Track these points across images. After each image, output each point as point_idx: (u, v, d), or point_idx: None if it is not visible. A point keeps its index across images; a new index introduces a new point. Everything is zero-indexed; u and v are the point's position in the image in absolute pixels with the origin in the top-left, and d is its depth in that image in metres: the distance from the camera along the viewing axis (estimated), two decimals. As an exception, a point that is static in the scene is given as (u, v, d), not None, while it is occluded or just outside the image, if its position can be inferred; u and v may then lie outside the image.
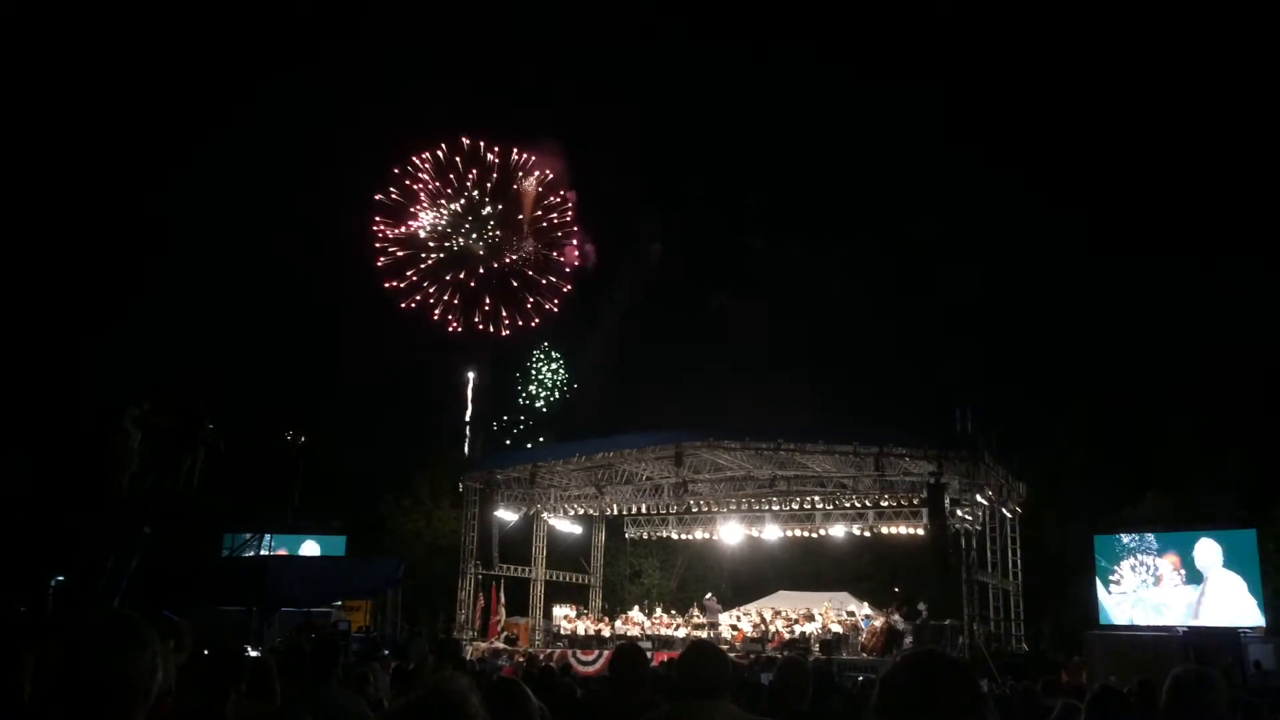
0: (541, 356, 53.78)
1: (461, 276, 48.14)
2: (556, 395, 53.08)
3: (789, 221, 60.48)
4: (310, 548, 25.59)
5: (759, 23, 61.18)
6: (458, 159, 47.61)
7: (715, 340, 57.47)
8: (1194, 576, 20.20)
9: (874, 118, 62.47)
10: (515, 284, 49.17)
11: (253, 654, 6.28)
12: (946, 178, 61.22)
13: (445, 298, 47.88)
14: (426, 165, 47.15)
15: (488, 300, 48.69)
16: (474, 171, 47.87)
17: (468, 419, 33.49)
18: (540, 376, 53.42)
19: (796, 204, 64.20)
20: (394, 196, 46.44)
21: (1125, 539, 21.35)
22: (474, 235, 47.85)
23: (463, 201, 47.72)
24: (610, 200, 52.59)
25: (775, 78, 63.36)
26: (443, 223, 47.26)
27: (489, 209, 48.29)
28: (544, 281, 49.26)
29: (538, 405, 51.61)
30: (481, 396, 47.51)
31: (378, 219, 45.96)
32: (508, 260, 48.61)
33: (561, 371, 53.83)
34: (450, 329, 47.76)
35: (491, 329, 48.71)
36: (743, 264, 63.63)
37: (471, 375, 49.08)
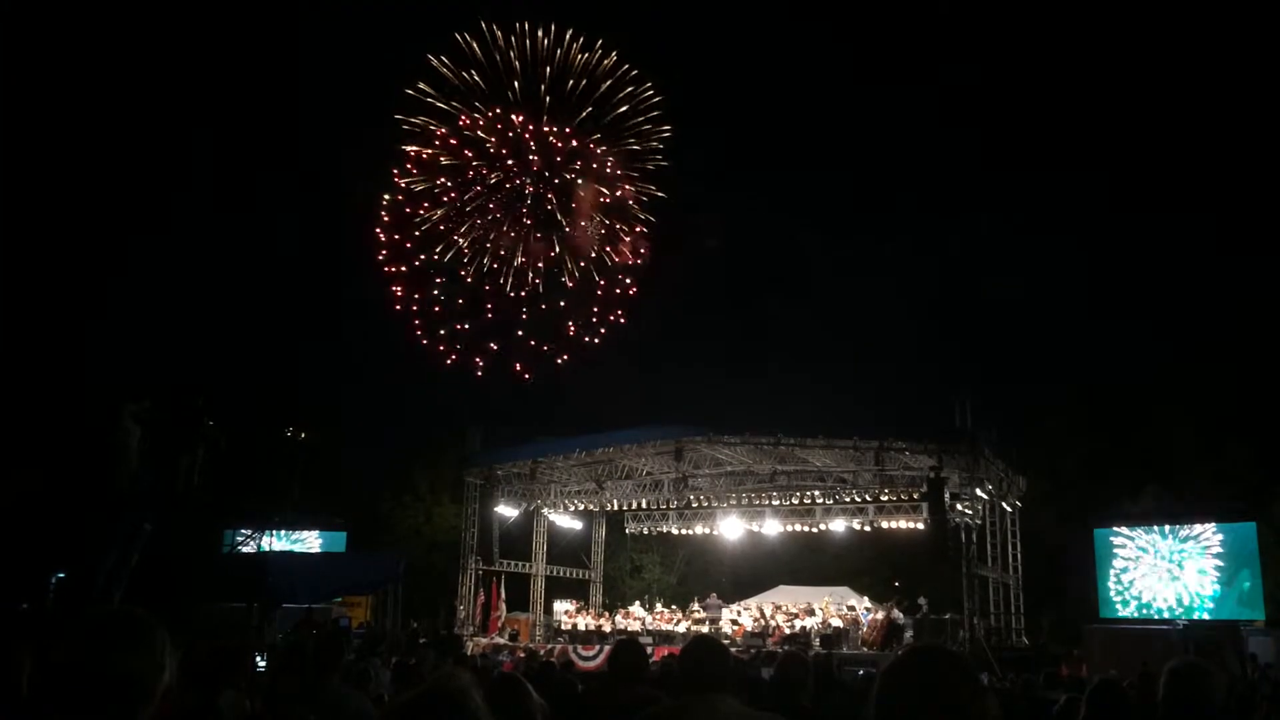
0: None
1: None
2: None
3: (789, 220, 60.30)
4: (311, 544, 25.67)
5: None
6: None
7: (716, 336, 57.40)
8: (1192, 569, 20.24)
9: (874, 119, 62.35)
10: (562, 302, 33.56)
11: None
12: (946, 176, 61.22)
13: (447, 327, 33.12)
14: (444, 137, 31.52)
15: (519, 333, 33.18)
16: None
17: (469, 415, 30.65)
18: None
19: (797, 204, 63.98)
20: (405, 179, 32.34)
21: (1125, 532, 21.38)
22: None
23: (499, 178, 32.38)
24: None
25: (776, 71, 63.10)
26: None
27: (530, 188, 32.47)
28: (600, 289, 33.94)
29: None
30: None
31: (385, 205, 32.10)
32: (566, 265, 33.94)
33: None
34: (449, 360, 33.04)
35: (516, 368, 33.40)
36: (743, 263, 63.42)
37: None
